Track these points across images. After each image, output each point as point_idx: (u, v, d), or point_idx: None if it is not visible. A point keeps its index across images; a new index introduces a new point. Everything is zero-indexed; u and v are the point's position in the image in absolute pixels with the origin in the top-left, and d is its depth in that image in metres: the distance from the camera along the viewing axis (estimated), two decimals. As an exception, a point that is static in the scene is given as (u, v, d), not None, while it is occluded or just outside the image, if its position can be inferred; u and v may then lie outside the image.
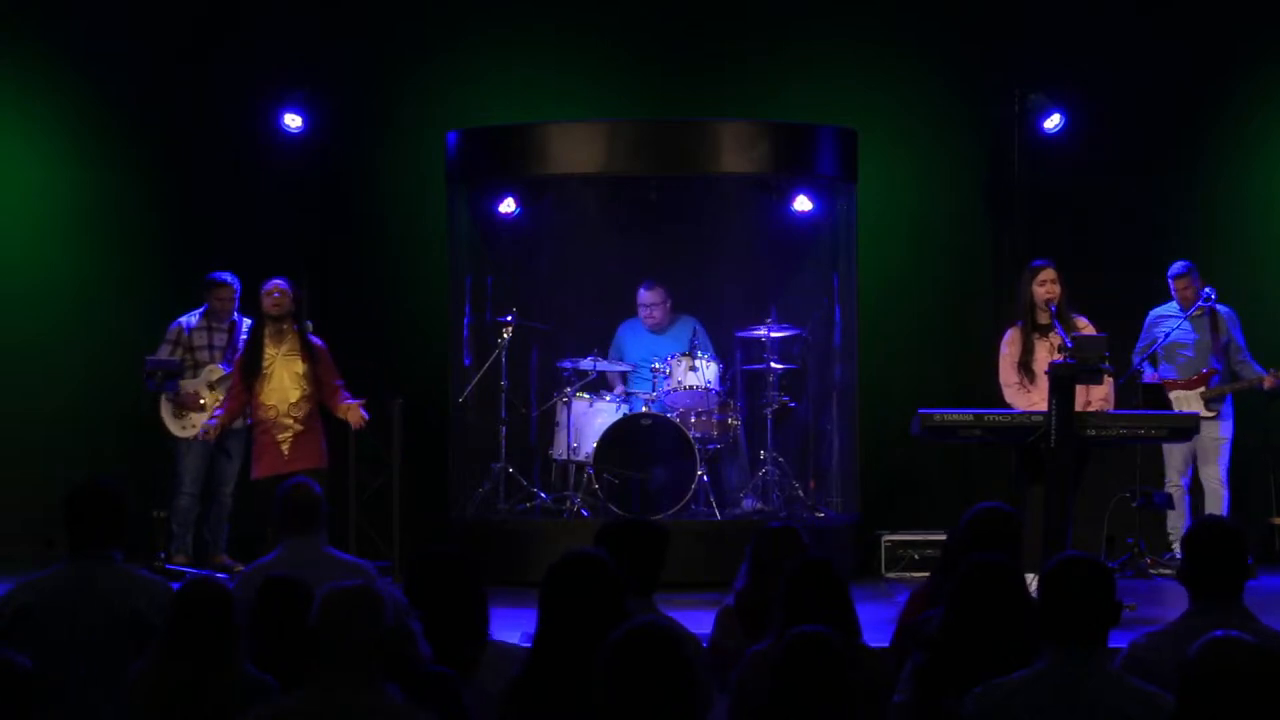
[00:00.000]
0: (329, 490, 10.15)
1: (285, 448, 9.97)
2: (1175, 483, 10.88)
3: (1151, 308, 11.04)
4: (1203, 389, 10.79)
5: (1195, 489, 10.94)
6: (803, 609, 4.93)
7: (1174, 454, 10.85)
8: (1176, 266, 10.88)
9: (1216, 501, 10.79)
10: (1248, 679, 3.74)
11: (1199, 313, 10.81)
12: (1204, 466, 10.86)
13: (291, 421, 9.98)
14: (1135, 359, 10.85)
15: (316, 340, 10.19)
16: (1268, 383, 10.79)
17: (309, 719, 4.08)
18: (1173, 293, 10.88)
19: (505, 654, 5.04)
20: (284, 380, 10.03)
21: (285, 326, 10.08)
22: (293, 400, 10.02)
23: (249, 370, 10.06)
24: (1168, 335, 10.80)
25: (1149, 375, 10.87)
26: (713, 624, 6.01)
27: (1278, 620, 5.15)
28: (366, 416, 10.08)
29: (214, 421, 10.23)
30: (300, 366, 10.05)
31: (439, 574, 4.98)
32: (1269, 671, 3.75)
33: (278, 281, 10.17)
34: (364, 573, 6.25)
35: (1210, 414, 10.75)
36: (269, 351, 10.08)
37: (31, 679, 4.11)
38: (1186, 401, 10.78)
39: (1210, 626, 4.20)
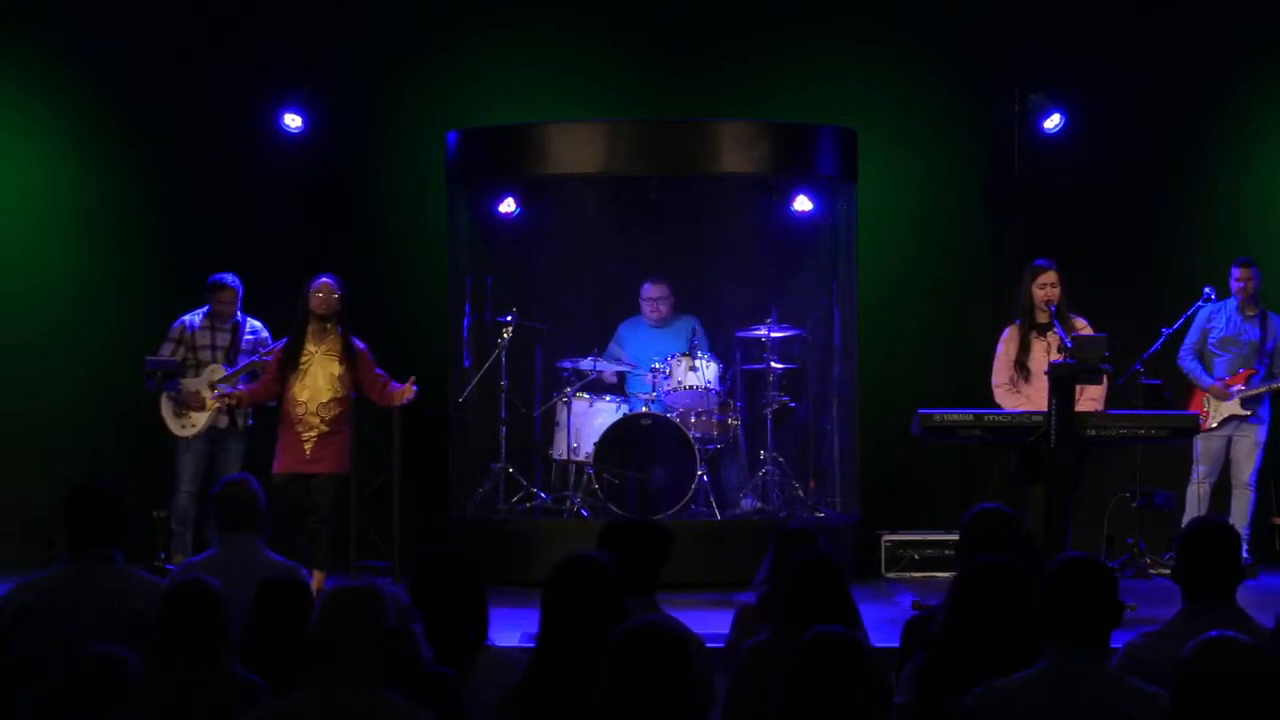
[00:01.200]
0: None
1: (308, 447, 9.86)
2: (1203, 480, 10.82)
3: (1196, 303, 10.95)
4: (1240, 387, 10.78)
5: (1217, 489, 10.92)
6: (804, 606, 4.93)
7: (1207, 453, 10.82)
8: (1242, 258, 10.86)
9: (1244, 504, 10.77)
10: (1243, 679, 3.73)
11: (1252, 311, 10.80)
12: (1237, 469, 10.84)
13: (318, 421, 9.87)
14: (1182, 354, 10.81)
15: (359, 343, 10.06)
16: None
17: (309, 719, 4.08)
18: (1233, 283, 10.81)
19: (503, 659, 5.03)
20: (318, 379, 9.92)
21: (329, 325, 9.93)
22: (323, 400, 9.89)
23: (286, 363, 9.98)
24: (1213, 325, 10.77)
25: (1201, 376, 10.79)
26: (731, 624, 6.00)
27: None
28: (415, 390, 10.00)
29: (233, 389, 10.19)
30: (337, 368, 9.91)
31: (442, 574, 4.98)
32: (1264, 671, 3.75)
33: (325, 279, 10.01)
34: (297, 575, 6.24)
35: (1246, 413, 10.74)
36: (309, 348, 9.95)
37: (135, 682, 4.16)
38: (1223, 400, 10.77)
39: (1204, 626, 4.19)
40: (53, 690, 4.29)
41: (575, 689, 4.34)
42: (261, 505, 6.61)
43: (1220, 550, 4.93)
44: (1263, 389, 10.80)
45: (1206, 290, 10.80)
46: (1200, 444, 10.71)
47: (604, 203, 11.56)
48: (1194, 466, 10.86)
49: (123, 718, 4.17)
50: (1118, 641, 4.57)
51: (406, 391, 9.96)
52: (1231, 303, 10.86)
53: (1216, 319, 10.89)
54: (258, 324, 10.73)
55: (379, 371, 10.04)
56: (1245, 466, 10.83)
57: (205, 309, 10.67)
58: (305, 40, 11.72)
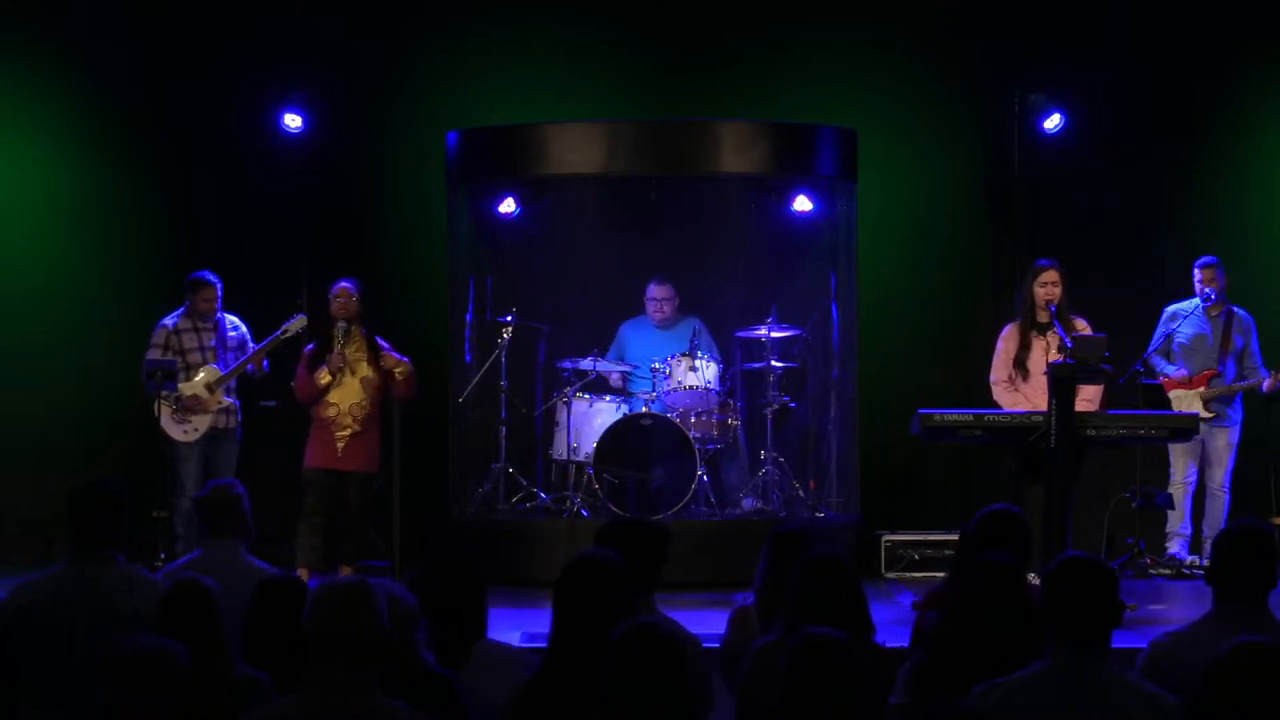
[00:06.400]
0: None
1: (340, 445, 10.11)
2: (1179, 483, 10.84)
3: (1166, 304, 10.97)
4: (1202, 389, 10.76)
5: (1198, 491, 10.92)
6: (813, 606, 4.92)
7: (1180, 455, 10.82)
8: (1205, 258, 10.84)
9: (1218, 507, 10.76)
10: (1274, 683, 3.74)
11: (1216, 311, 10.78)
12: (1210, 472, 10.83)
13: (350, 421, 10.13)
14: (1150, 351, 10.77)
15: (383, 343, 10.27)
16: (1267, 385, 10.74)
17: (307, 720, 4.07)
18: (1196, 283, 10.79)
19: (499, 654, 5.04)
20: (349, 382, 10.09)
21: (353, 329, 10.13)
22: (355, 401, 10.15)
23: (314, 367, 10.16)
24: (1177, 328, 10.75)
25: (1165, 367, 10.79)
26: (727, 625, 6.00)
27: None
28: (404, 361, 10.23)
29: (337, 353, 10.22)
30: (366, 370, 10.15)
31: (455, 576, 5.00)
32: None
33: (344, 284, 10.23)
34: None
35: (1209, 415, 10.70)
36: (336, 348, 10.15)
37: (186, 671, 4.19)
38: (1186, 400, 10.74)
39: (1231, 628, 4.20)
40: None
41: (587, 688, 4.35)
42: (247, 511, 6.57)
43: (1253, 554, 4.92)
44: (1224, 390, 10.75)
45: (1208, 290, 10.79)
46: (1173, 447, 10.70)
47: (604, 203, 11.55)
48: (1170, 470, 10.87)
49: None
50: (1120, 641, 4.57)
51: (394, 364, 10.17)
52: (1196, 304, 10.84)
53: (1180, 321, 10.86)
54: (236, 319, 10.73)
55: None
56: (1218, 469, 10.79)
57: (181, 310, 10.63)
58: (306, 40, 11.71)
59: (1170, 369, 10.80)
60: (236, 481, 6.75)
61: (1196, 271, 10.81)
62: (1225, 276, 10.81)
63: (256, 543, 6.69)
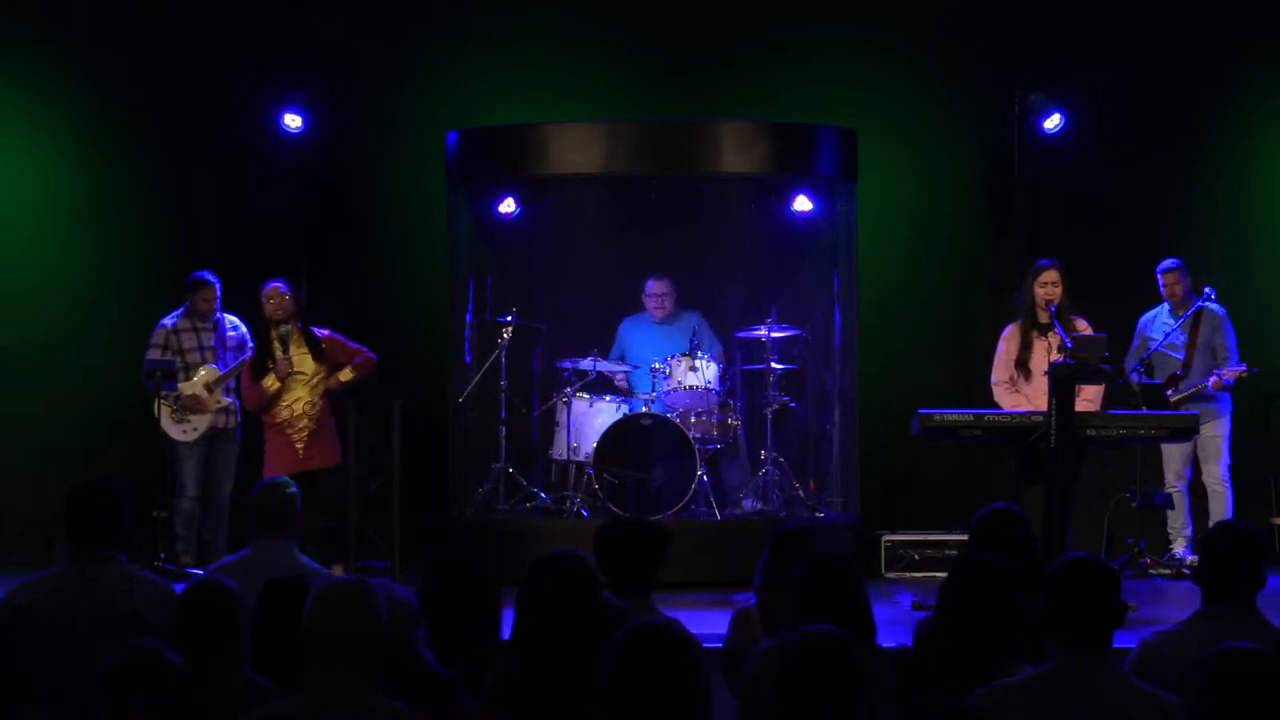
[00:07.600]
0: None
1: (301, 446, 10.07)
2: (1173, 484, 10.84)
3: (1140, 313, 10.98)
4: (1170, 391, 10.72)
5: (1197, 489, 10.91)
6: (815, 608, 4.91)
7: (1172, 455, 10.82)
8: (1166, 263, 10.83)
9: (1220, 502, 10.74)
10: (1265, 690, 3.74)
11: (1182, 313, 10.74)
12: (1204, 467, 10.82)
13: (307, 420, 10.09)
14: (1128, 365, 10.75)
15: (320, 331, 10.20)
16: (1213, 381, 10.67)
17: (307, 721, 4.07)
18: (1161, 289, 10.81)
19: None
20: (297, 380, 10.08)
21: (290, 327, 10.10)
22: (308, 399, 10.12)
23: (258, 372, 10.11)
24: (1166, 336, 10.75)
25: (1138, 379, 10.79)
26: (728, 626, 5.99)
27: (1278, 618, 5.14)
28: (369, 360, 10.20)
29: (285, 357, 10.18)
30: (311, 365, 10.12)
31: (456, 575, 4.99)
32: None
33: (275, 284, 10.16)
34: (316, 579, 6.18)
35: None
36: (279, 354, 10.12)
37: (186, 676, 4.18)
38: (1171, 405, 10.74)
39: (1219, 628, 4.19)
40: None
41: (551, 687, 4.34)
42: (300, 510, 6.50)
43: (1240, 553, 4.92)
44: (1188, 392, 10.72)
45: (1207, 290, 10.77)
46: (1165, 447, 10.68)
47: (604, 203, 11.55)
48: (1164, 470, 10.86)
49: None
50: (1121, 642, 4.57)
51: (346, 377, 10.18)
52: (1164, 308, 10.82)
53: (1152, 327, 10.85)
54: (235, 319, 10.73)
55: (354, 345, 10.27)
56: (1211, 464, 10.76)
57: (181, 310, 10.64)
58: (306, 40, 11.71)
59: (1138, 379, 10.76)
60: (291, 480, 6.67)
61: (1160, 276, 10.79)
62: (1189, 277, 10.77)
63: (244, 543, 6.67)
